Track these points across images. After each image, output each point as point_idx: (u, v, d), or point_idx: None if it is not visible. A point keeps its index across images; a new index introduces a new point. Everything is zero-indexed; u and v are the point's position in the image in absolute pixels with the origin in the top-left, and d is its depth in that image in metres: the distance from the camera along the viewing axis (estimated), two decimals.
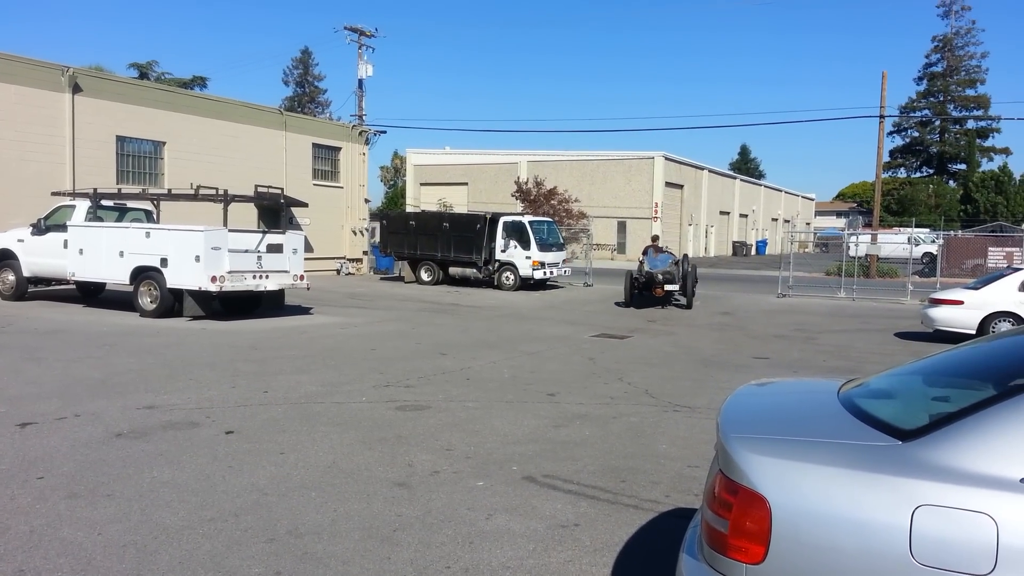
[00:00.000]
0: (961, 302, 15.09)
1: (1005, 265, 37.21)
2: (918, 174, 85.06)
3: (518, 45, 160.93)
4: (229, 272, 15.62)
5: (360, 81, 38.83)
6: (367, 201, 33.07)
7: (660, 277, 20.92)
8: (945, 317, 15.25)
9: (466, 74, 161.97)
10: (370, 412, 8.23)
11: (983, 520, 2.26)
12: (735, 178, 65.67)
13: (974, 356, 3.48)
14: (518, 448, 6.96)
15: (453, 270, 26.93)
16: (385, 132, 41.45)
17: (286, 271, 16.88)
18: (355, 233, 32.03)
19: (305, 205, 29.59)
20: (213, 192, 16.67)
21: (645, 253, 22.29)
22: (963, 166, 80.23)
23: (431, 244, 26.81)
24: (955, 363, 3.43)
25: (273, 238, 16.83)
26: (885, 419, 2.77)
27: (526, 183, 43.96)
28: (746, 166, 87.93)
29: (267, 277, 16.44)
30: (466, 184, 54.65)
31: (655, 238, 26.00)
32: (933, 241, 46.72)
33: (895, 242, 45.40)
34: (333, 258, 31.30)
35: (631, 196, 49.14)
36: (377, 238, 30.79)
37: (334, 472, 6.18)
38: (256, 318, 16.52)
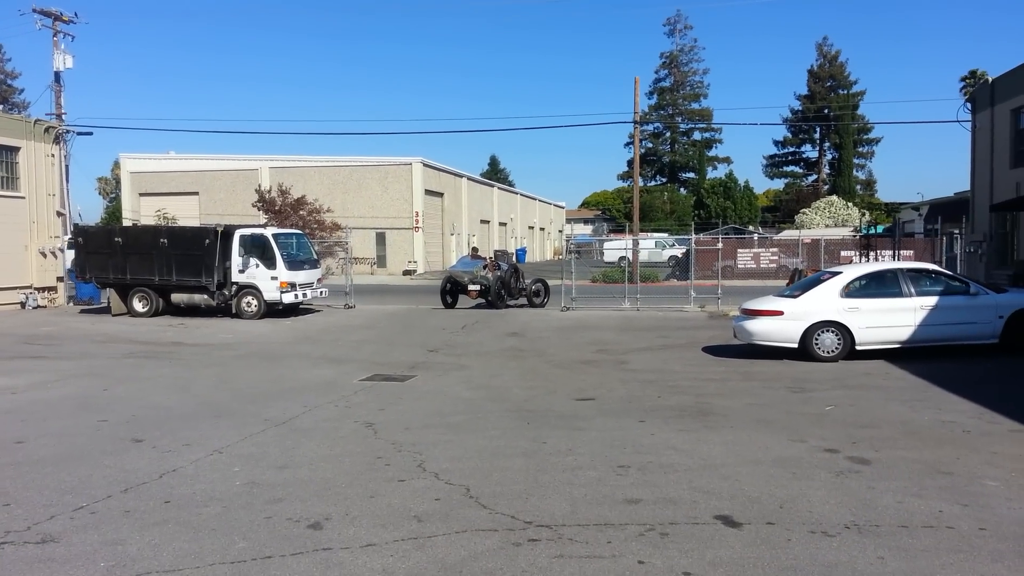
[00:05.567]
0: (781, 312, 13.33)
1: (754, 266, 38.98)
2: (653, 182, 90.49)
3: (250, 45, 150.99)
4: None
5: (57, 74, 31.50)
6: (60, 215, 26.21)
7: (466, 279, 22.71)
8: (763, 330, 13.43)
9: (199, 75, 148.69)
10: None
11: None
12: (493, 186, 64.57)
13: None
14: None
15: (177, 297, 21.46)
16: (91, 133, 34.19)
17: None
18: (45, 255, 25.17)
19: None
20: None
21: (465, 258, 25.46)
22: (693, 174, 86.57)
23: (146, 265, 21.17)
24: None
25: None
26: None
27: (269, 191, 39.49)
28: (496, 176, 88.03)
29: None
30: (197, 194, 47.65)
31: (474, 248, 29.10)
32: (673, 245, 48.91)
33: (647, 248, 46.50)
34: (15, 288, 24.30)
35: (390, 205, 45.49)
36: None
37: None
38: None
